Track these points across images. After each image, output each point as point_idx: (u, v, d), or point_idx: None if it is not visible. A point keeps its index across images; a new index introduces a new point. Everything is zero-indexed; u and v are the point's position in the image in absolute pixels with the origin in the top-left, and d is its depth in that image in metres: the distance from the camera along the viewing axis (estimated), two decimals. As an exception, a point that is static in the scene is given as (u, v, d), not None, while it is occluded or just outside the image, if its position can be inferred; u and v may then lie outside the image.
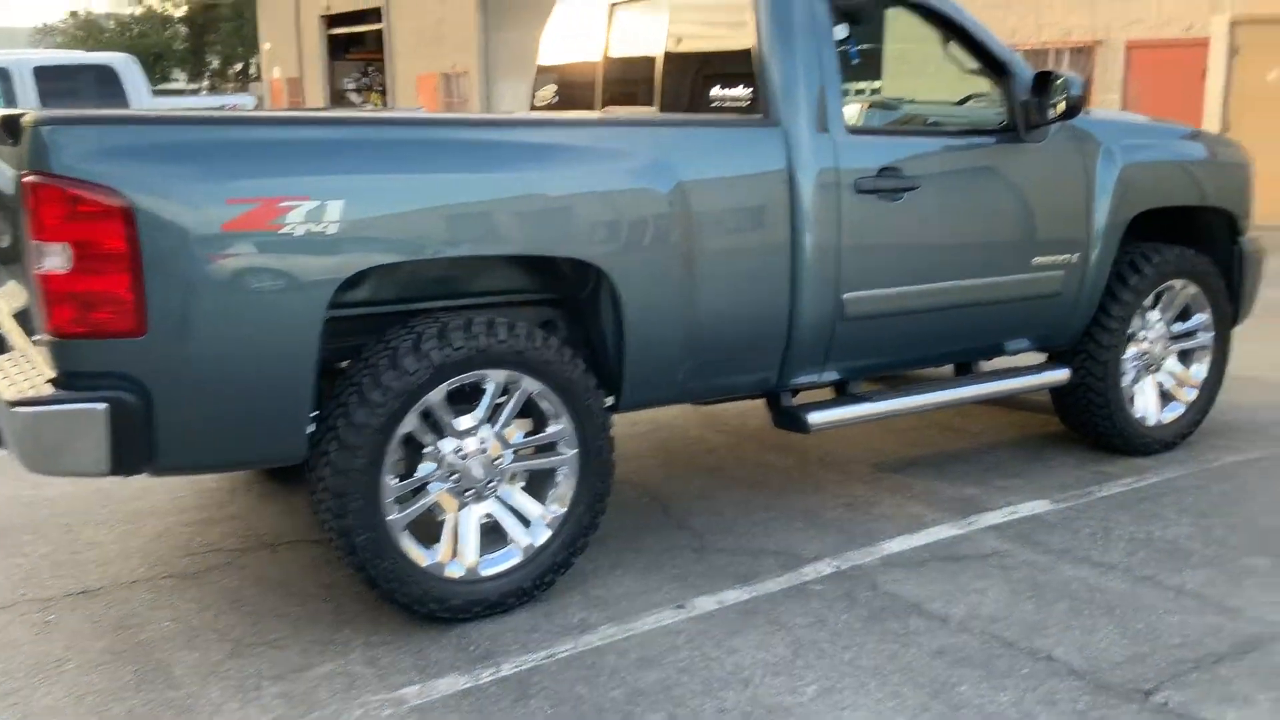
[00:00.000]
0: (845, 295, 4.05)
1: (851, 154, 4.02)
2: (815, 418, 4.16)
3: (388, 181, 3.20)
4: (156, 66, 51.86)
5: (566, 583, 3.70)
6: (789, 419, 4.20)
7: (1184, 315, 5.12)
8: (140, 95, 11.74)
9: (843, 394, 4.40)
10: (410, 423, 3.29)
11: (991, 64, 4.47)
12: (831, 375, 4.25)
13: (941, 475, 4.83)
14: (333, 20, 33.63)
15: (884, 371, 4.53)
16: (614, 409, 3.80)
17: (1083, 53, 14.70)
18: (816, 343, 4.07)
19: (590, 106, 4.90)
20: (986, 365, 4.83)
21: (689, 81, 4.39)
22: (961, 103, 4.95)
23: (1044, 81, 4.32)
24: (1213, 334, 5.15)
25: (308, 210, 3.03)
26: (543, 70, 5.25)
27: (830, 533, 4.18)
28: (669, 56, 4.45)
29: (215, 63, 55.47)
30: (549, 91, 5.20)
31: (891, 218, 4.12)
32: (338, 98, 34.06)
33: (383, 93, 31.80)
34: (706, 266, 3.73)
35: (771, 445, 5.21)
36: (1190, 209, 5.11)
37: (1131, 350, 4.99)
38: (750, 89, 4.04)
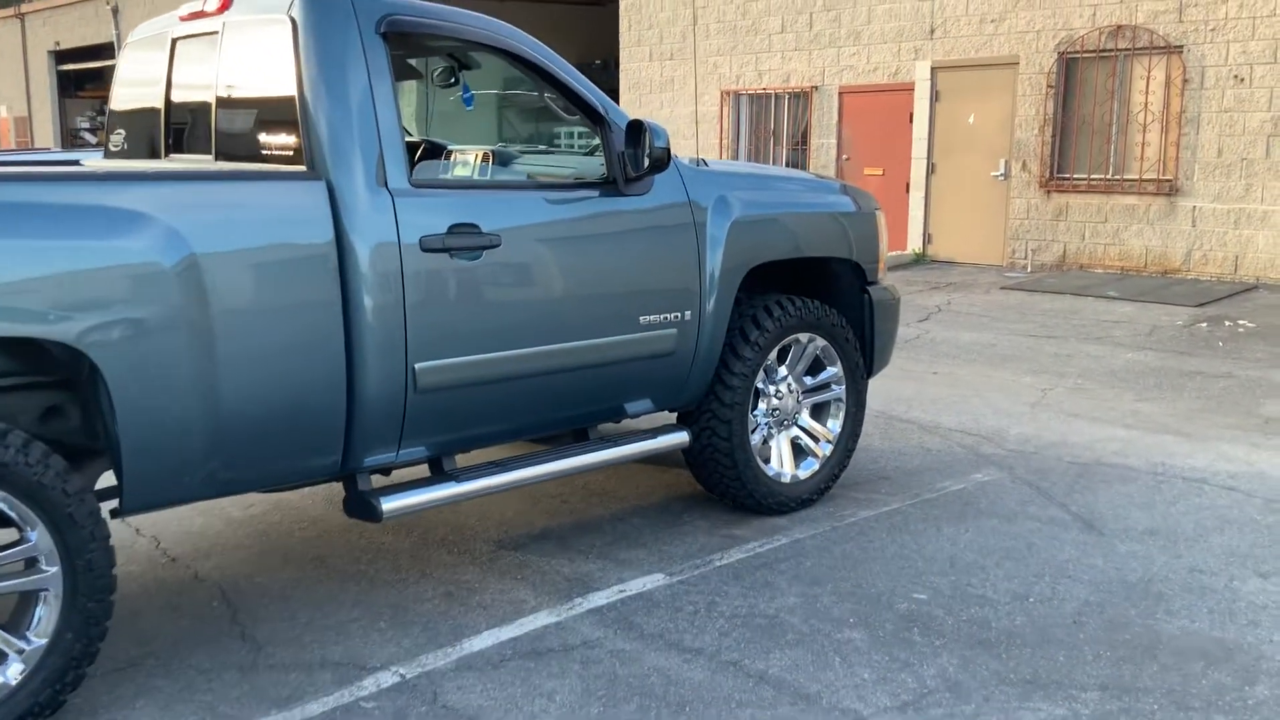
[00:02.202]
0: (417, 365, 3.64)
1: (416, 210, 3.63)
2: (390, 504, 3.72)
3: None
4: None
5: (61, 722, 3.12)
6: (359, 506, 3.74)
7: (815, 369, 4.99)
8: None
9: (438, 471, 3.99)
10: None
11: (588, 112, 4.19)
12: (415, 453, 3.83)
13: (565, 549, 4.49)
14: (62, 56, 31.45)
15: (484, 444, 4.14)
16: (119, 512, 3.26)
17: (800, 97, 15.07)
18: (386, 420, 3.64)
19: (156, 154, 4.34)
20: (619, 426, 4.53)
21: (243, 126, 3.90)
22: (591, 153, 4.67)
23: (637, 131, 4.06)
24: (844, 386, 5.03)
25: None
26: (114, 113, 4.65)
27: (413, 632, 3.74)
28: (220, 98, 3.96)
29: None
30: (119, 138, 4.61)
31: (468, 279, 3.75)
32: (70, 137, 31.83)
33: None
34: (231, 346, 3.24)
35: (394, 526, 4.74)
36: (816, 260, 4.99)
37: (761, 407, 4.81)
38: (295, 137, 3.59)
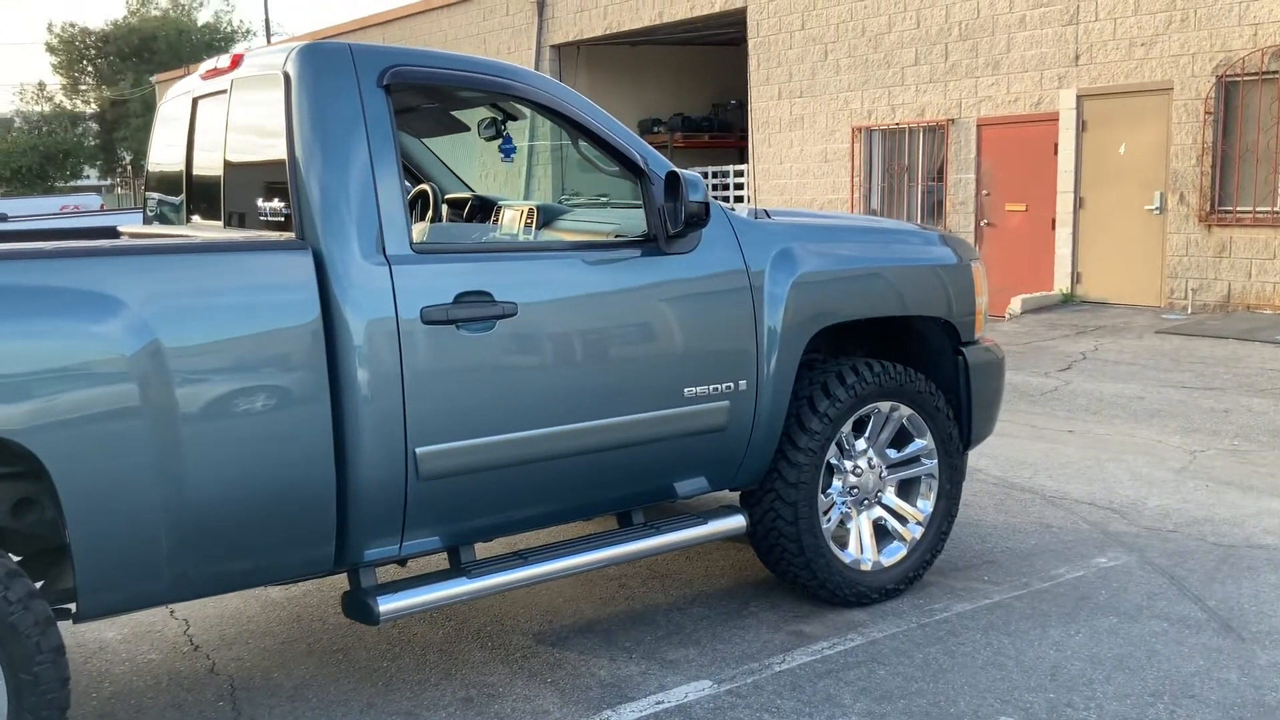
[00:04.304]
0: (418, 450, 3.28)
1: (417, 279, 3.29)
2: (388, 605, 3.35)
3: None
4: (67, 164, 50.91)
5: None
6: (355, 608, 3.39)
7: (901, 441, 4.42)
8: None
9: (455, 562, 3.61)
10: None
11: (624, 162, 3.78)
12: (424, 545, 3.46)
13: (609, 645, 4.03)
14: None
15: (508, 533, 3.74)
16: (77, 618, 2.98)
17: (936, 131, 14.34)
18: (384, 510, 3.29)
19: (179, 220, 4.14)
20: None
21: (247, 191, 3.64)
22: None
23: (673, 183, 3.63)
24: (935, 460, 4.44)
25: None
26: (149, 175, 4.50)
27: (416, 745, 3.36)
28: (228, 161, 3.71)
29: (129, 158, 54.60)
30: (154, 202, 4.44)
31: (478, 352, 3.37)
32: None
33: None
34: (200, 436, 2.95)
35: (431, 613, 4.38)
36: (900, 319, 4.43)
37: (835, 484, 4.27)
38: (285, 202, 3.30)
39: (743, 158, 18.15)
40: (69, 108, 54.58)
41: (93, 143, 54.37)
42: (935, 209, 14.39)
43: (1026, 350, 10.33)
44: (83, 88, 53.50)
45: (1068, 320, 11.90)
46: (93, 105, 53.72)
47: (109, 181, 54.49)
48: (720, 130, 20.77)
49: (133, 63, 50.28)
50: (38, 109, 55.05)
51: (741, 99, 18.25)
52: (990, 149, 13.80)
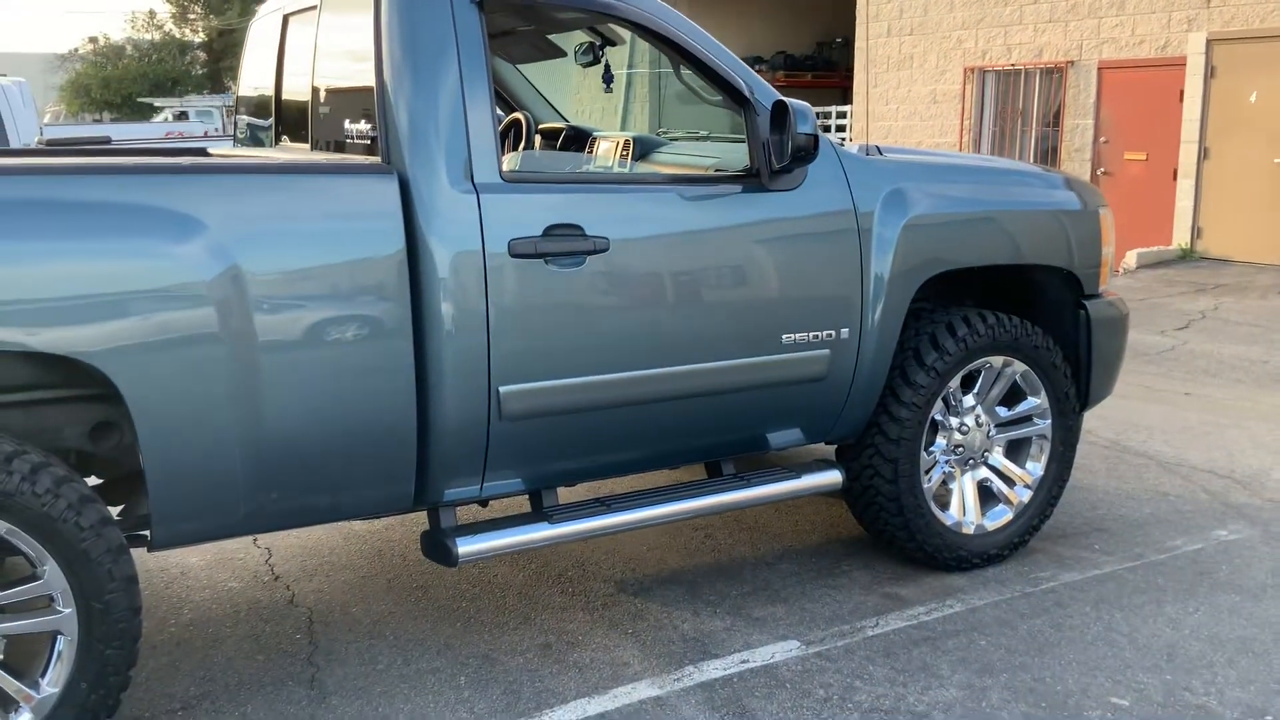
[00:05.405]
0: (501, 389, 3.13)
1: (506, 209, 3.11)
2: (467, 547, 3.23)
3: None
4: (175, 91, 51.88)
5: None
6: (433, 547, 3.28)
7: (1012, 398, 4.14)
8: (21, 120, 11.00)
9: (537, 506, 3.48)
10: None
11: (729, 91, 3.54)
12: (504, 486, 3.33)
13: (693, 598, 3.88)
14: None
15: (591, 478, 3.59)
16: (151, 547, 2.91)
17: (1054, 74, 13.67)
18: (465, 450, 3.16)
19: (267, 143, 4.03)
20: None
21: (335, 113, 3.50)
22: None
23: (780, 114, 3.38)
24: (1049, 421, 4.16)
25: None
26: (240, 98, 4.39)
27: (491, 694, 3.25)
28: (317, 80, 3.57)
29: (234, 87, 55.37)
30: (244, 123, 4.34)
31: (567, 289, 3.20)
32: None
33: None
34: (279, 366, 2.84)
35: (512, 556, 4.27)
36: (1017, 267, 4.14)
37: (939, 442, 4.02)
38: (372, 124, 3.15)
39: (846, 98, 17.60)
40: (178, 36, 55.50)
41: (200, 71, 55.30)
42: (1049, 155, 13.76)
43: (1142, 307, 9.83)
44: (191, 16, 54.32)
45: (1186, 277, 11.32)
46: (201, 34, 54.54)
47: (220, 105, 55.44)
48: (824, 69, 20.17)
49: (239, -9, 50.83)
50: (148, 37, 56.12)
51: (847, 37, 17.65)
52: (1111, 94, 13.11)
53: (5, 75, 12.33)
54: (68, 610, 2.70)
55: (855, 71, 16.36)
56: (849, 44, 17.39)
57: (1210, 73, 12.01)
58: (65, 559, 2.66)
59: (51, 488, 2.63)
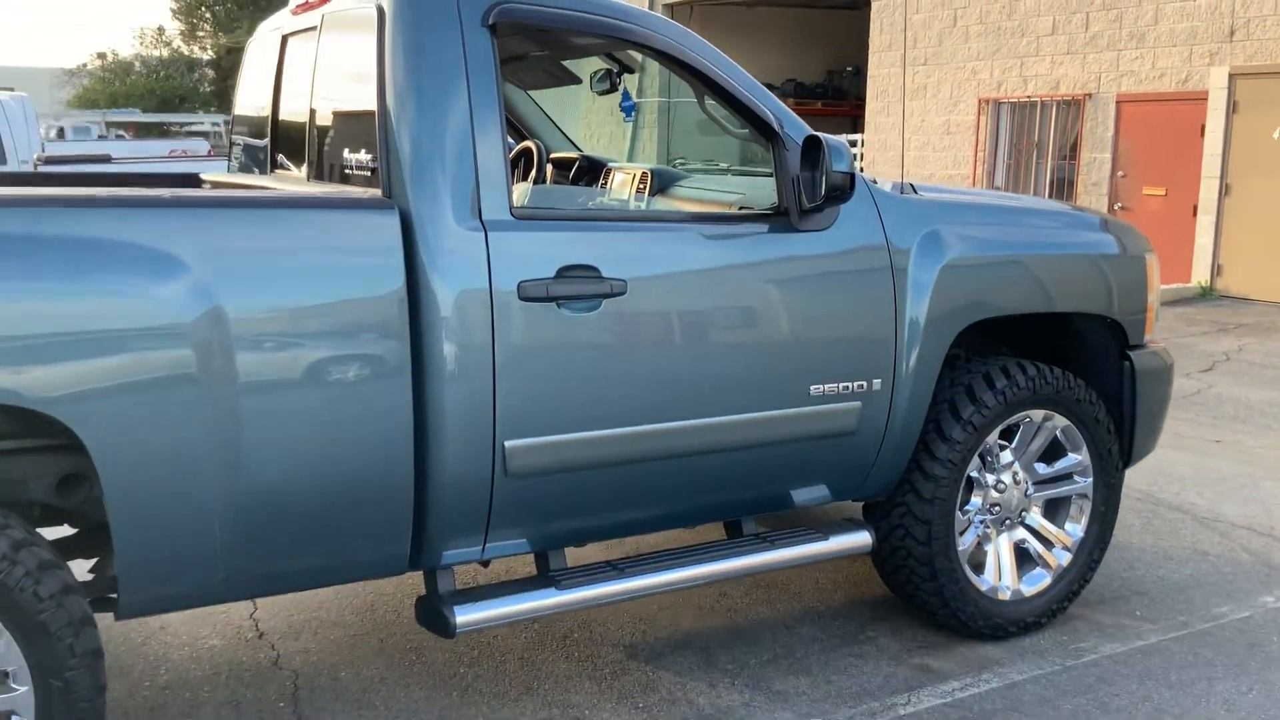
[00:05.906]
0: (507, 443, 2.87)
1: (516, 248, 2.86)
2: (466, 616, 2.96)
3: None
4: (182, 108, 51.84)
5: None
6: (429, 616, 3.01)
7: (1052, 454, 3.88)
8: (20, 136, 10.81)
9: (543, 568, 3.21)
10: None
11: (756, 124, 3.29)
12: (509, 547, 3.06)
13: (708, 665, 3.60)
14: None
15: (602, 538, 3.33)
16: (118, 614, 2.65)
17: (1071, 106, 13.46)
18: (467, 508, 2.89)
19: (263, 169, 3.79)
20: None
21: (334, 140, 3.25)
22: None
23: (813, 150, 3.14)
24: (1090, 479, 3.89)
25: None
26: (235, 120, 4.15)
27: (489, 775, 2.97)
28: (316, 105, 3.32)
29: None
30: (239, 149, 4.10)
31: (580, 336, 2.94)
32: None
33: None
34: (263, 417, 2.58)
35: (515, 608, 3.98)
36: (1060, 315, 3.88)
37: (974, 501, 3.76)
38: (372, 154, 2.90)
39: (856, 127, 17.39)
40: (186, 53, 55.54)
41: (208, 89, 55.33)
42: (1064, 188, 13.54)
43: (1162, 347, 9.56)
44: (200, 34, 54.40)
45: (1207, 316, 11.05)
46: (209, 52, 54.58)
47: (220, 126, 55.42)
48: (834, 98, 19.99)
49: (249, 10, 50.85)
50: (156, 53, 56.15)
51: (858, 66, 17.47)
52: (1129, 127, 12.89)
53: (9, 90, 12.15)
54: (23, 689, 2.43)
55: (867, 100, 16.18)
56: (860, 73, 17.22)
57: (1232, 108, 11.80)
58: (22, 631, 2.39)
59: (8, 553, 2.37)
